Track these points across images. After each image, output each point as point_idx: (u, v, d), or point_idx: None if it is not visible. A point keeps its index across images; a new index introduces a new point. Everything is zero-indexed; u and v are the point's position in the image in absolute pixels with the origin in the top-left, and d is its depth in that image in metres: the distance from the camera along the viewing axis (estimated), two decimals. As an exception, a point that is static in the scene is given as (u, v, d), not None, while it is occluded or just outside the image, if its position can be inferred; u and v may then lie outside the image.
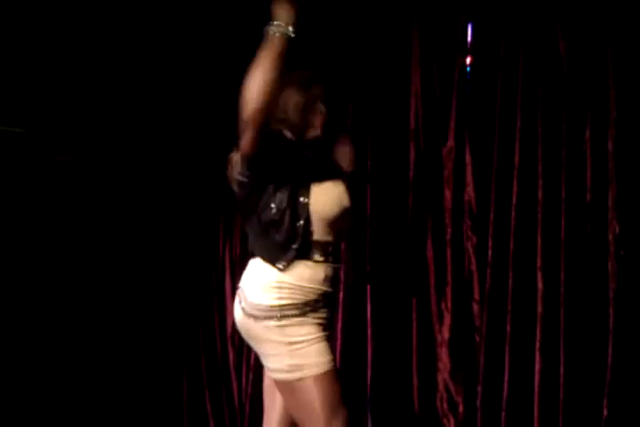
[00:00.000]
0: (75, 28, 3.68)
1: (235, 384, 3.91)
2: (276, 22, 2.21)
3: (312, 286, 2.32)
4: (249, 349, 3.76)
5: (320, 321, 2.32)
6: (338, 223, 2.38)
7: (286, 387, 2.29)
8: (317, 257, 2.34)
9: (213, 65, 3.92)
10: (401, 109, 3.18)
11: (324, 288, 2.34)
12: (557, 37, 2.69)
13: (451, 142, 3.01)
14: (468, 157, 2.97)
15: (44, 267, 4.08)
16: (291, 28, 2.21)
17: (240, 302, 2.33)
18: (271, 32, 2.21)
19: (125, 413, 4.11)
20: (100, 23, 3.70)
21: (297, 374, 2.25)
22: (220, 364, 3.99)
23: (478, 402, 2.86)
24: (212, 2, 3.56)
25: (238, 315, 2.32)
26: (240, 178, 2.32)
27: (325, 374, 2.27)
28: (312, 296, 2.32)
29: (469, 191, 2.98)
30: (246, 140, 2.23)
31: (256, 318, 2.27)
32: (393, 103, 3.22)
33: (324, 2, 3.43)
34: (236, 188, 2.37)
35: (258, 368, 3.67)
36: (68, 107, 4.02)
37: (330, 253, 2.37)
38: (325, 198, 2.35)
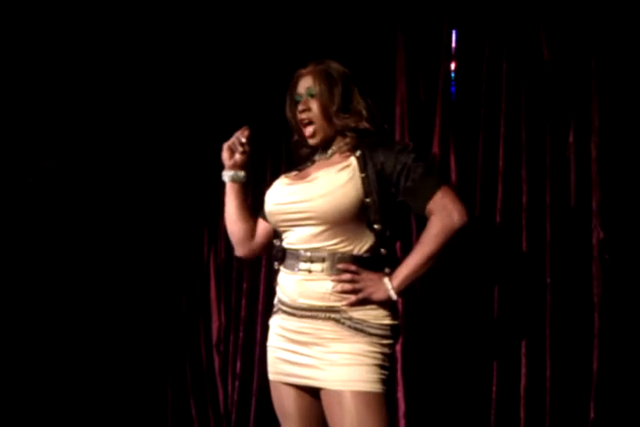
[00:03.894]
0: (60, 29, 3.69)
1: (220, 391, 3.90)
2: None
3: (277, 290, 2.35)
4: (235, 356, 3.79)
5: (279, 331, 2.31)
6: (276, 223, 2.34)
7: None
8: (275, 263, 2.38)
9: (193, 69, 3.94)
10: (386, 116, 3.19)
11: (280, 296, 2.32)
12: (541, 43, 2.71)
13: (435, 148, 3.02)
14: (452, 163, 2.98)
15: (24, 275, 4.04)
16: (230, 173, 2.46)
17: None
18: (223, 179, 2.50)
19: (110, 420, 4.08)
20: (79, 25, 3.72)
21: None
22: (205, 371, 3.98)
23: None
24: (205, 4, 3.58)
25: None
26: None
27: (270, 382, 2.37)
28: (276, 300, 2.36)
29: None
30: None
31: None
32: (378, 110, 3.22)
33: (311, 10, 3.47)
34: None
35: (244, 376, 3.69)
36: (48, 111, 4.00)
37: (279, 257, 2.34)
38: (265, 198, 2.40)
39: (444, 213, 2.16)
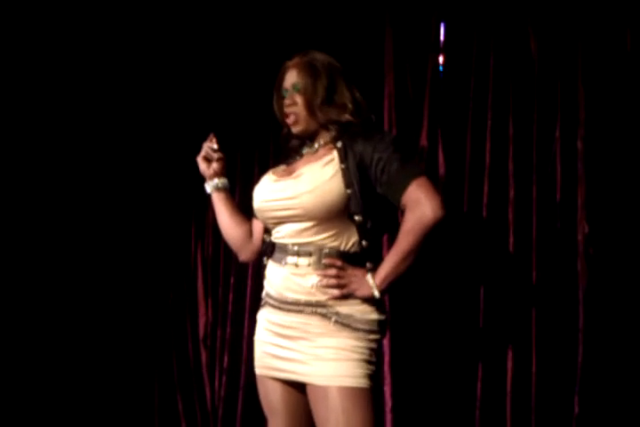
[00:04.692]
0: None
1: (207, 387, 3.88)
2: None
3: (265, 284, 2.34)
4: (222, 351, 3.78)
5: (266, 324, 2.30)
6: (264, 219, 2.35)
7: None
8: (264, 258, 2.38)
9: (180, 64, 3.93)
10: (374, 110, 3.17)
11: (267, 289, 2.32)
12: (529, 37, 2.71)
13: (423, 142, 3.01)
14: (440, 157, 2.96)
15: (13, 271, 4.01)
16: (214, 182, 2.48)
17: None
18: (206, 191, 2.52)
19: (96, 415, 4.07)
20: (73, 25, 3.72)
21: None
22: (192, 366, 3.96)
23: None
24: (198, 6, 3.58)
25: None
26: None
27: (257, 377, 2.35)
28: (263, 293, 2.35)
29: (441, 190, 2.98)
30: None
31: None
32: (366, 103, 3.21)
33: (299, 3, 3.46)
34: None
35: (231, 371, 3.68)
36: (43, 107, 3.99)
37: (268, 252, 2.35)
38: (253, 194, 2.39)
39: (416, 208, 2.11)
